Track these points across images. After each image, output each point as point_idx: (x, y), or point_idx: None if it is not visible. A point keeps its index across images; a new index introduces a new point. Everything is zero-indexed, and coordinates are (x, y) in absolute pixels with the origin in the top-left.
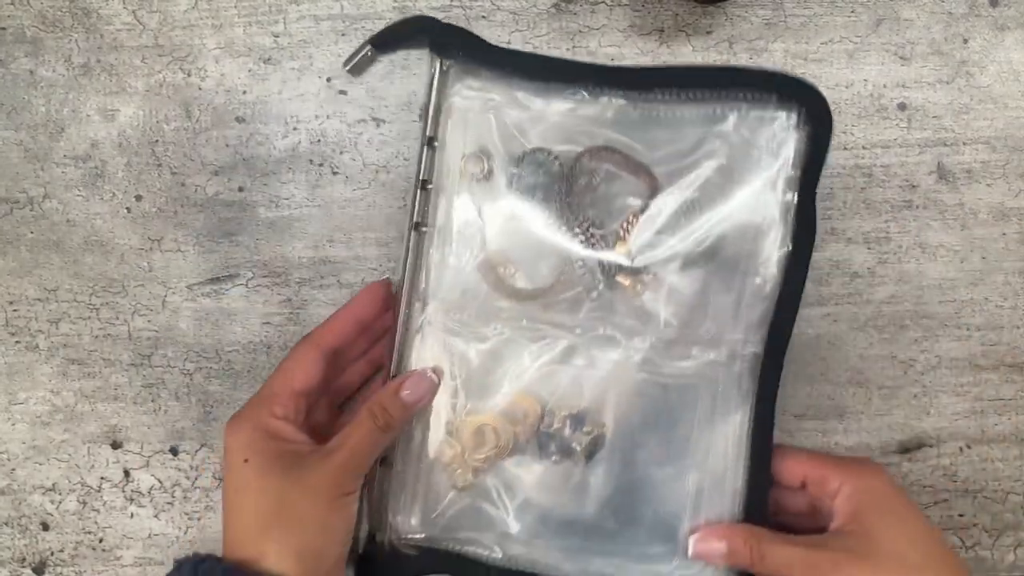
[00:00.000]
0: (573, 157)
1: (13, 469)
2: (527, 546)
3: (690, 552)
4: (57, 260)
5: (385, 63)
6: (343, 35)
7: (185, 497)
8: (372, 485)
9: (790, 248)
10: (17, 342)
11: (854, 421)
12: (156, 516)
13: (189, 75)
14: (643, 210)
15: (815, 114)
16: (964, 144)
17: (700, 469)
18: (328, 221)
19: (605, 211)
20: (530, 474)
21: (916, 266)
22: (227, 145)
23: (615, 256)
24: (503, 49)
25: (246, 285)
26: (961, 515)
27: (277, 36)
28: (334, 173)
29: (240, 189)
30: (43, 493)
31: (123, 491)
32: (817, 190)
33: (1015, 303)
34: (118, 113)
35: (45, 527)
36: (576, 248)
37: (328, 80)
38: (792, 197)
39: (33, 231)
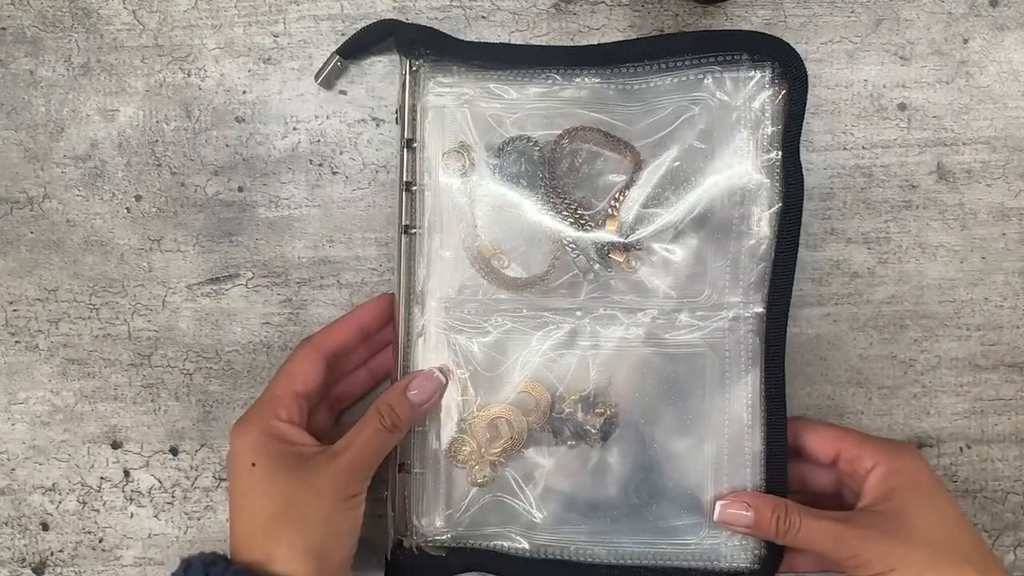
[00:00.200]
0: (552, 141)
1: (13, 469)
2: (554, 533)
3: (716, 516)
4: (57, 260)
5: (385, 63)
6: (343, 35)
7: (185, 497)
8: (394, 491)
9: (780, 205)
10: (17, 342)
11: (854, 421)
12: (156, 516)
13: (189, 75)
14: (629, 185)
15: (789, 68)
16: (964, 144)
17: (717, 436)
18: (328, 221)
19: (591, 191)
20: (548, 461)
21: (916, 266)
22: (227, 145)
23: (606, 234)
24: (470, 43)
25: (246, 285)
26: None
27: (277, 36)
28: (334, 173)
29: (240, 189)
30: (43, 493)
31: (123, 491)
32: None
33: (1015, 303)
34: (118, 113)
35: (45, 527)
36: (567, 231)
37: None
38: (776, 154)
39: (33, 231)
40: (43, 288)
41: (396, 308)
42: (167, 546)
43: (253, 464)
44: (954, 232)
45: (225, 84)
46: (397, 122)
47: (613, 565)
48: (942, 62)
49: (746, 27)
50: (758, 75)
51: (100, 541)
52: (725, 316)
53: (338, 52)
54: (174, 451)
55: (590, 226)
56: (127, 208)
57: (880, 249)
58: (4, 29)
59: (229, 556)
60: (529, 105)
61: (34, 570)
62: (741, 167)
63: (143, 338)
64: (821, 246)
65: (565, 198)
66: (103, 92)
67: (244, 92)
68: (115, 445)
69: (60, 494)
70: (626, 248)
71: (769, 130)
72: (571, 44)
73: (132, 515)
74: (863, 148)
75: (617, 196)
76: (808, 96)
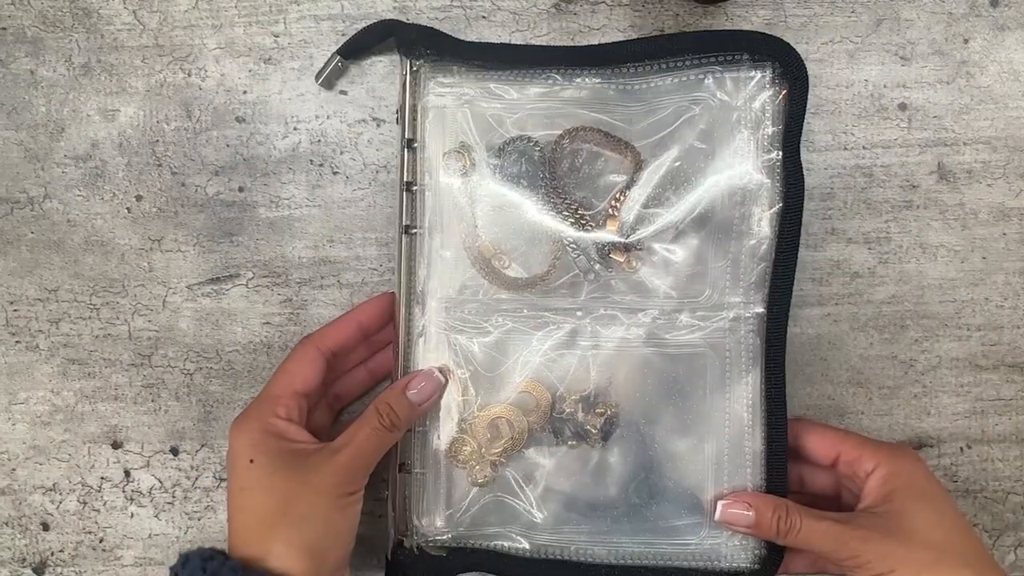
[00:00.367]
0: (553, 141)
1: (13, 469)
2: (554, 533)
3: (717, 516)
4: (57, 260)
5: (386, 63)
6: (343, 35)
7: (185, 497)
8: (394, 491)
9: (781, 205)
10: (17, 342)
11: (854, 421)
12: (156, 516)
13: (189, 75)
14: (629, 185)
15: (790, 68)
16: (964, 144)
17: (718, 436)
18: (328, 221)
19: (592, 191)
20: (548, 461)
21: (916, 266)
22: (227, 145)
23: (607, 235)
24: (470, 43)
25: (246, 285)
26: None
27: (277, 36)
28: (334, 173)
29: (240, 189)
30: (43, 493)
31: (123, 491)
32: (800, 143)
33: (1015, 303)
34: (118, 113)
35: (45, 527)
36: (567, 231)
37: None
38: (777, 154)
39: (33, 231)
40: (43, 288)
41: (396, 308)
42: (167, 546)
43: (252, 461)
44: (955, 232)
45: (225, 84)
46: (397, 122)
47: (613, 565)
48: (942, 62)
49: (746, 27)
50: (758, 75)
51: (100, 541)
52: (725, 316)
53: (338, 52)
54: (174, 451)
55: (591, 226)
56: (128, 208)
57: (880, 249)
58: (4, 29)
59: (227, 552)
60: (530, 105)
61: (34, 570)
62: (742, 167)
63: (143, 338)
64: (821, 246)
65: (566, 198)
66: (103, 92)
67: (244, 92)
68: (115, 445)
69: (60, 494)
70: (627, 248)
71: (769, 130)
72: (571, 44)
73: (132, 515)
74: (863, 148)
75: (618, 196)
76: (808, 96)
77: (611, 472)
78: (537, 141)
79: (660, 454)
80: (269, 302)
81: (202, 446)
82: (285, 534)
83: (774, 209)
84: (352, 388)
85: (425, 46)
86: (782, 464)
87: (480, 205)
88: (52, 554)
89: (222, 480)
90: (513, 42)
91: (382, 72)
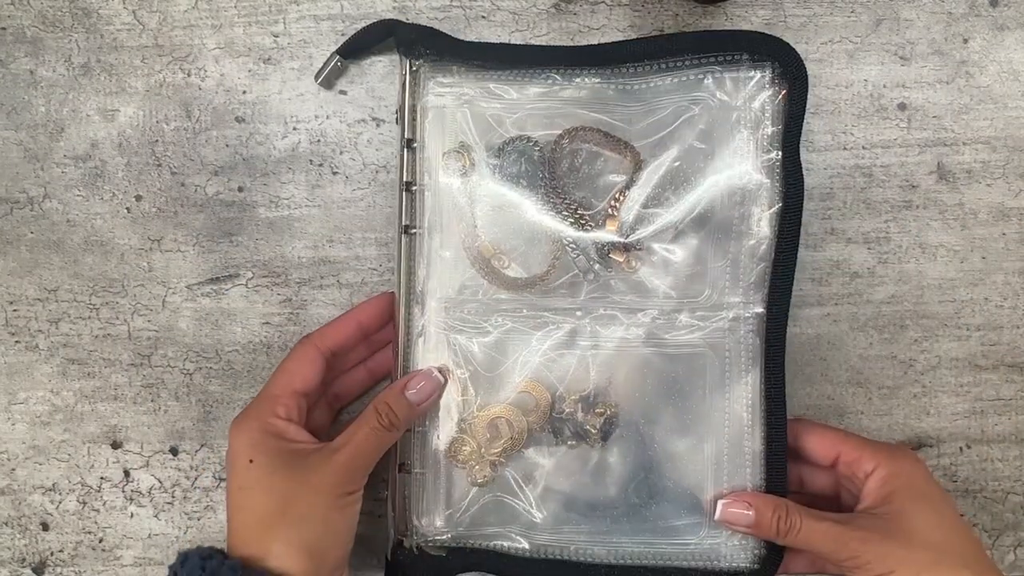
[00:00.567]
0: (552, 141)
1: (13, 469)
2: (554, 533)
3: (718, 515)
4: (57, 260)
5: (385, 63)
6: (343, 35)
7: (185, 497)
8: (394, 491)
9: (780, 205)
10: (17, 342)
11: (854, 421)
12: (156, 516)
13: (189, 75)
14: (629, 185)
15: (789, 68)
16: (964, 144)
17: (717, 436)
18: (328, 221)
19: (591, 191)
20: (548, 461)
21: (916, 266)
22: (227, 145)
23: (607, 234)
24: (470, 43)
25: (246, 285)
26: (961, 515)
27: (277, 36)
28: (334, 173)
29: (240, 189)
30: (43, 493)
31: (123, 491)
32: (800, 143)
33: (1015, 303)
34: (118, 113)
35: (45, 527)
36: (567, 231)
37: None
38: (776, 154)
39: (33, 231)
40: (43, 288)
41: (396, 308)
42: (167, 546)
43: (251, 461)
44: (954, 232)
45: (225, 84)
46: (397, 122)
47: (613, 565)
48: (942, 62)
49: (746, 27)
50: (758, 75)
51: (100, 541)
52: (725, 316)
53: (338, 52)
54: (174, 451)
55: (590, 226)
56: (127, 208)
57: (880, 249)
58: (4, 29)
59: (226, 551)
60: (529, 105)
61: (34, 570)
62: (741, 167)
63: (143, 338)
64: (821, 246)
65: (565, 198)
66: (103, 92)
67: (244, 92)
68: (115, 445)
69: (60, 494)
70: (626, 248)
71: (769, 130)
72: (571, 44)
73: (132, 515)
74: (863, 148)
75: (617, 196)
76: (808, 96)
77: (611, 472)
78: (537, 141)
79: (660, 454)
80: (269, 302)
81: (202, 446)
82: (284, 534)
83: (774, 209)
84: (352, 388)
85: (425, 46)
86: (782, 464)
87: (480, 205)
88: (52, 554)
89: (221, 480)
90: (513, 42)
91: (382, 72)
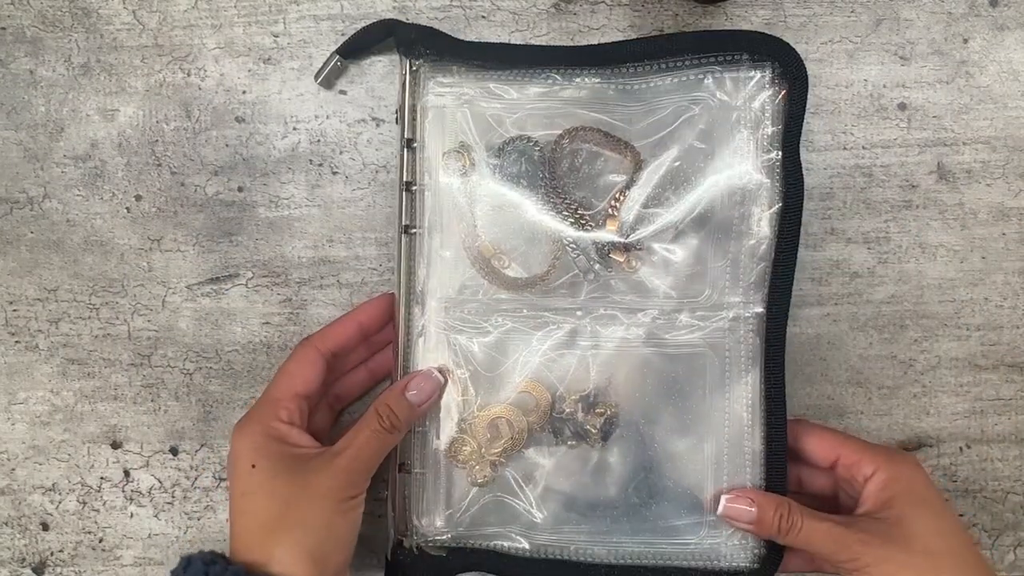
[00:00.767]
0: (553, 141)
1: (13, 469)
2: (554, 533)
3: (720, 510)
4: (57, 260)
5: (385, 63)
6: (343, 35)
7: (185, 497)
8: (394, 491)
9: (780, 205)
10: (17, 342)
11: (854, 421)
12: (156, 516)
13: (189, 75)
14: (629, 185)
15: (789, 68)
16: (964, 144)
17: (717, 436)
18: (328, 221)
19: (591, 191)
20: (548, 461)
21: (916, 266)
22: (227, 145)
23: (607, 234)
24: (470, 43)
25: (246, 285)
26: (961, 515)
27: (277, 36)
28: (334, 173)
29: (240, 189)
30: (43, 493)
31: (123, 491)
32: (800, 143)
33: (1015, 303)
34: (118, 113)
35: (45, 527)
36: (567, 231)
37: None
38: (776, 154)
39: (33, 231)
40: (43, 288)
41: (396, 308)
42: (167, 546)
43: (253, 466)
44: (954, 232)
45: (225, 84)
46: (397, 122)
47: (613, 565)
48: (942, 62)
49: (746, 27)
50: (758, 75)
51: (100, 541)
52: (725, 316)
53: (338, 52)
54: (174, 451)
55: (590, 226)
56: (127, 208)
57: (880, 249)
58: (4, 29)
59: (229, 556)
60: (529, 105)
61: (34, 570)
62: (741, 167)
63: (143, 338)
64: (821, 246)
65: (565, 198)
66: (103, 92)
67: (244, 92)
68: (115, 445)
69: (60, 494)
70: (626, 248)
71: (769, 130)
72: (571, 44)
73: (132, 515)
74: (863, 148)
75: (617, 196)
76: (808, 96)
77: (611, 472)
78: (537, 141)
79: (660, 454)
80: (269, 302)
81: (201, 446)
82: (287, 539)
83: (774, 209)
84: (352, 388)
85: (425, 46)
86: (781, 464)
87: (480, 205)
88: (52, 554)
89: (221, 480)
90: (513, 42)
91: (381, 72)
